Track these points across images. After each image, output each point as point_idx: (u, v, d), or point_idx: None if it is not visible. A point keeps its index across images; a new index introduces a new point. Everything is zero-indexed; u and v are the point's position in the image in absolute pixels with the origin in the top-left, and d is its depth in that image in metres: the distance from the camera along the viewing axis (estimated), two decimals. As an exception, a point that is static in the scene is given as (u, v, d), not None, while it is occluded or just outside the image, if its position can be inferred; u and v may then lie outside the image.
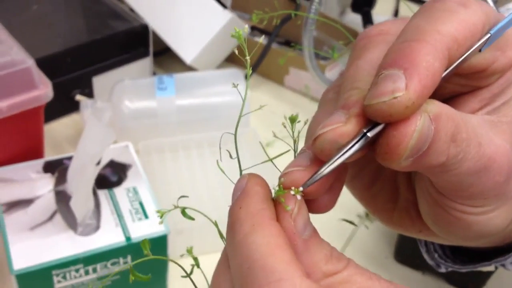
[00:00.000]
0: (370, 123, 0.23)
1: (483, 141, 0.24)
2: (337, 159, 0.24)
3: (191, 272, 0.30)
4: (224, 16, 0.89)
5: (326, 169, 0.24)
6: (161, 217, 0.30)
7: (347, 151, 0.23)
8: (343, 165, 0.24)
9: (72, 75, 0.84)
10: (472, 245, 0.33)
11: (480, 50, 0.25)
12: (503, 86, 0.27)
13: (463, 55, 0.24)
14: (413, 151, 0.23)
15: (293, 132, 0.28)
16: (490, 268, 0.35)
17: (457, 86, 0.27)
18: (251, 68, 0.27)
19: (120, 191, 0.62)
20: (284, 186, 0.25)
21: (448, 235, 0.29)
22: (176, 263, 0.31)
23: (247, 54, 0.28)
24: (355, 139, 0.23)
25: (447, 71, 0.24)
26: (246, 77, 0.95)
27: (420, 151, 0.23)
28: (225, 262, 0.25)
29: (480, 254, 0.35)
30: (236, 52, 0.29)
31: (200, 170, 0.74)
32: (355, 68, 0.26)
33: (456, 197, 0.26)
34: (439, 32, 0.23)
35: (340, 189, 0.27)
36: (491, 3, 0.73)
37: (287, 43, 1.01)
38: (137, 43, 0.88)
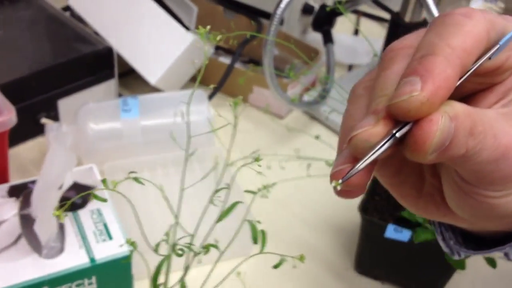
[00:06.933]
0: (398, 125, 0.27)
1: (498, 133, 0.28)
2: (370, 156, 0.27)
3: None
4: (187, 38, 0.91)
5: (361, 165, 0.28)
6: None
7: (378, 149, 0.27)
8: (374, 161, 0.28)
9: (37, 98, 0.85)
10: (494, 227, 0.35)
11: (490, 58, 0.29)
12: None
13: (475, 60, 0.28)
14: (437, 147, 0.27)
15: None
16: (500, 254, 0.37)
17: (475, 84, 0.31)
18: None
19: (84, 213, 0.63)
20: (333, 178, 0.28)
21: (472, 217, 0.32)
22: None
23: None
24: (385, 138, 0.27)
25: (464, 77, 0.28)
26: (209, 97, 0.97)
27: (443, 146, 0.27)
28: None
29: (487, 243, 0.38)
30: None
31: (166, 189, 0.75)
32: (384, 78, 0.30)
33: (478, 183, 0.30)
34: (449, 46, 0.28)
35: (369, 179, 0.30)
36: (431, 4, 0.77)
37: (251, 62, 1.03)
38: (102, 66, 0.90)
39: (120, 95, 0.95)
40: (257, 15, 1.08)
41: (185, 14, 1.08)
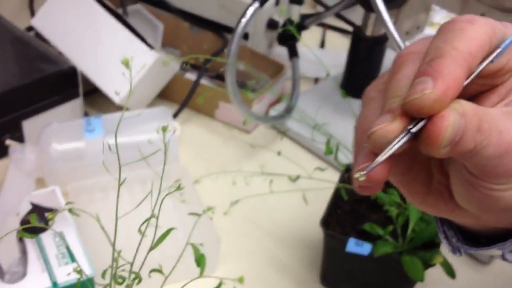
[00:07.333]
0: (413, 122, 0.30)
1: (503, 129, 0.31)
2: (389, 149, 0.30)
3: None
4: (151, 56, 0.91)
5: (382, 157, 0.30)
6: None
7: (396, 143, 0.30)
8: (393, 156, 0.31)
9: (1, 120, 0.84)
10: (498, 222, 0.38)
11: (492, 61, 0.32)
12: None
13: (479, 63, 0.31)
14: (449, 141, 0.29)
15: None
16: (498, 252, 0.39)
17: (479, 86, 0.34)
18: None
19: (47, 236, 0.63)
20: (358, 170, 0.31)
21: (478, 211, 0.35)
22: None
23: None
24: (401, 134, 0.30)
25: (470, 78, 0.31)
26: (174, 115, 0.97)
27: (455, 140, 0.30)
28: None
29: (486, 242, 0.40)
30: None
31: (130, 208, 0.75)
32: (396, 81, 0.33)
33: (485, 177, 0.32)
34: (455, 49, 0.30)
35: (387, 176, 0.32)
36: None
37: (218, 77, 1.04)
38: (67, 85, 0.90)
39: (86, 114, 0.95)
40: (223, 31, 1.09)
41: (151, 31, 1.09)
